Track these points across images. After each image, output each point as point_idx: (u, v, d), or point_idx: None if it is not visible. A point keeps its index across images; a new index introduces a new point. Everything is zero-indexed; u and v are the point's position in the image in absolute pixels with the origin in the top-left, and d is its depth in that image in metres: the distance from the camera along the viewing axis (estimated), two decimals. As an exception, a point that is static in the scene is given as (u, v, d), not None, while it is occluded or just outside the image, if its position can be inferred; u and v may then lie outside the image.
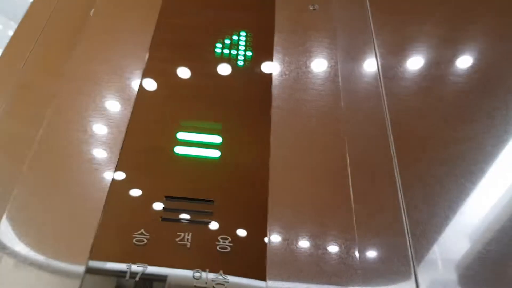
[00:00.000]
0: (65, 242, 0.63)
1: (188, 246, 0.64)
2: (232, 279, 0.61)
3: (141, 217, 0.66)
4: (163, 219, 0.66)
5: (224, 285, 0.60)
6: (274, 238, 0.65)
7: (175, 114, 0.79)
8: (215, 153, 0.74)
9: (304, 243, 0.65)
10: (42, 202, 0.66)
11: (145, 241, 0.63)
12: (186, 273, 0.61)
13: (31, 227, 0.63)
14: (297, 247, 0.65)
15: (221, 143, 0.76)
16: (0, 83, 0.81)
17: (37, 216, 0.65)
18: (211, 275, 0.61)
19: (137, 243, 0.63)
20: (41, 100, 0.78)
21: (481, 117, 0.81)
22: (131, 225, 0.65)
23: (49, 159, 0.71)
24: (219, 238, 0.65)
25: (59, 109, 0.77)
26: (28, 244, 0.62)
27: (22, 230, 0.63)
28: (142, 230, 0.64)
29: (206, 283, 0.60)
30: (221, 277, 0.61)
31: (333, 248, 0.65)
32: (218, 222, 0.67)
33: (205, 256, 0.63)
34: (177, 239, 0.64)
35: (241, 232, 0.66)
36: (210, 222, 0.67)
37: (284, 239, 0.65)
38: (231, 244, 0.64)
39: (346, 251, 0.65)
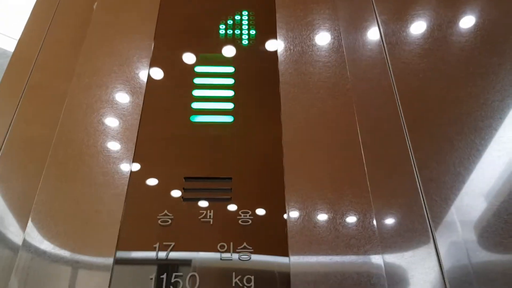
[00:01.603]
0: (90, 236, 0.65)
1: (211, 223, 0.66)
2: (256, 253, 0.64)
3: (163, 200, 0.69)
4: (185, 199, 0.69)
5: (249, 256, 0.63)
6: (293, 212, 0.67)
7: (187, 97, 0.81)
8: (229, 132, 0.76)
9: (322, 215, 0.67)
10: (65, 199, 0.69)
11: (170, 221, 0.66)
12: (212, 247, 0.64)
13: (56, 225, 0.66)
14: (315, 220, 0.67)
15: (232, 121, 0.78)
16: (12, 87, 0.83)
17: (60, 214, 0.67)
18: (236, 247, 0.64)
19: (162, 223, 0.66)
20: (53, 99, 0.81)
21: (486, 74, 0.82)
22: (155, 209, 0.67)
23: (67, 156, 0.73)
24: (240, 213, 0.67)
25: (72, 106, 0.79)
26: (55, 241, 0.64)
27: (47, 229, 0.66)
28: (166, 211, 0.67)
29: (231, 255, 0.63)
30: (245, 250, 0.64)
31: (350, 218, 0.67)
32: (238, 198, 0.69)
33: (228, 230, 0.66)
34: (199, 217, 0.67)
35: (261, 206, 0.68)
36: (230, 198, 0.69)
37: (302, 210, 0.67)
38: (252, 217, 0.67)
39: (363, 218, 0.67)
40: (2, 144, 0.75)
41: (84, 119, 0.77)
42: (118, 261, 0.63)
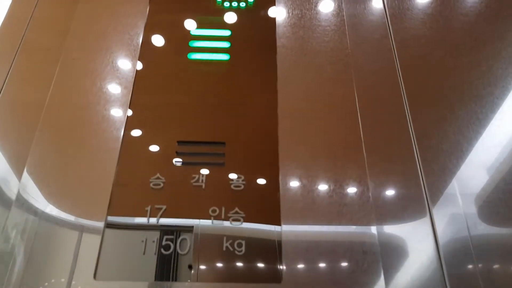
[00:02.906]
0: (83, 199, 0.65)
1: (203, 187, 0.66)
2: (247, 218, 0.63)
3: (155, 164, 0.68)
4: (177, 163, 0.68)
5: (240, 220, 0.63)
6: (286, 178, 0.67)
7: (181, 62, 0.79)
8: (224, 96, 0.75)
9: (316, 182, 0.66)
10: (57, 162, 0.68)
11: (162, 184, 0.66)
12: (203, 211, 0.63)
13: (48, 187, 0.66)
14: (309, 186, 0.66)
15: (227, 85, 0.76)
16: (6, 46, 0.81)
17: (53, 176, 0.67)
18: (228, 212, 0.63)
19: (154, 187, 0.65)
20: (48, 60, 0.79)
21: (491, 41, 0.80)
22: (147, 172, 0.67)
23: (60, 118, 0.73)
24: (232, 178, 0.67)
25: (66, 68, 0.78)
26: (46, 202, 0.64)
27: (40, 190, 0.65)
28: (158, 175, 0.66)
29: (223, 220, 0.63)
30: (236, 214, 0.63)
31: (345, 186, 0.66)
32: (231, 163, 0.68)
33: (220, 195, 0.65)
34: (192, 181, 0.66)
35: (254, 172, 0.68)
36: (223, 163, 0.68)
37: (296, 179, 0.67)
38: (244, 183, 0.66)
39: (357, 187, 0.66)
40: None
41: (77, 82, 0.76)
42: (109, 224, 0.63)
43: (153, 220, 0.63)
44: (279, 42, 0.81)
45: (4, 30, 0.84)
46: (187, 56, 0.80)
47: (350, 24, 0.83)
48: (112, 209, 0.64)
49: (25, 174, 0.66)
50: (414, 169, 0.67)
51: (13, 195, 0.65)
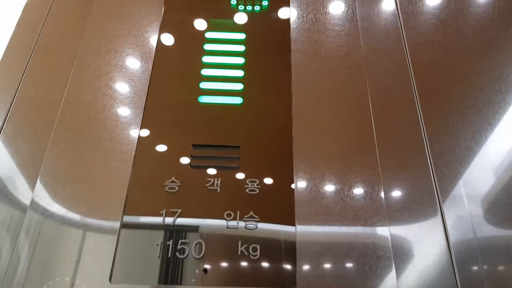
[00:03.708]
0: (98, 200, 0.65)
1: (218, 191, 0.66)
2: (262, 222, 0.64)
3: (171, 167, 0.68)
4: (193, 167, 0.69)
5: (255, 225, 0.63)
6: (300, 182, 0.67)
7: (196, 65, 0.80)
8: (238, 100, 0.76)
9: (329, 186, 0.67)
10: (72, 163, 0.69)
11: (177, 188, 0.66)
12: (218, 215, 0.64)
13: (63, 188, 0.66)
14: (323, 190, 0.66)
15: (242, 89, 0.77)
16: (21, 47, 0.82)
17: (68, 177, 0.67)
18: (243, 216, 0.64)
19: (169, 190, 0.66)
20: (62, 61, 0.80)
21: (503, 47, 0.80)
22: (162, 175, 0.67)
23: (76, 118, 0.73)
24: (247, 182, 0.67)
25: (81, 68, 0.78)
26: (62, 204, 0.65)
27: (55, 191, 0.66)
28: (173, 178, 0.67)
29: (237, 223, 0.63)
30: (251, 218, 0.64)
31: (358, 189, 0.67)
32: (246, 167, 0.69)
33: (235, 199, 0.66)
34: (207, 185, 0.67)
35: (268, 175, 0.68)
36: (238, 167, 0.69)
37: (309, 181, 0.67)
38: (259, 187, 0.67)
39: (371, 190, 0.66)
40: (11, 105, 0.74)
41: (92, 83, 0.77)
42: (125, 225, 0.63)
43: (168, 224, 0.63)
44: (293, 46, 0.81)
45: (19, 31, 0.84)
46: (201, 59, 0.80)
47: (364, 28, 0.83)
48: (127, 210, 0.64)
49: (40, 175, 0.67)
50: (427, 174, 0.68)
51: (28, 197, 0.65)
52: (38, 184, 0.66)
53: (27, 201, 0.65)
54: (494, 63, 0.78)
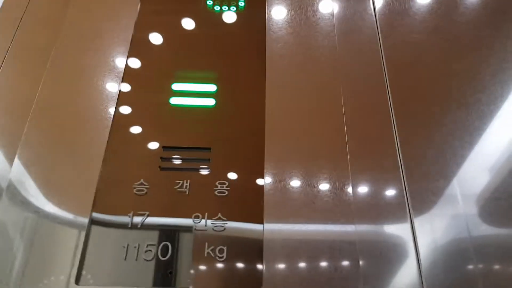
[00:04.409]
0: (70, 196, 0.66)
1: (187, 193, 0.66)
2: (230, 224, 0.64)
3: (140, 169, 0.68)
4: (162, 169, 0.69)
5: (223, 227, 0.63)
6: (270, 182, 0.67)
7: (169, 65, 0.79)
8: (210, 102, 0.75)
9: (299, 184, 0.67)
10: (46, 159, 0.69)
11: (145, 190, 0.66)
12: (186, 217, 0.64)
13: (37, 181, 0.66)
14: (292, 189, 0.66)
15: (215, 91, 0.76)
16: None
17: (41, 174, 0.67)
18: (210, 217, 0.64)
19: (137, 193, 0.66)
20: (37, 61, 0.79)
21: (478, 48, 0.80)
22: (131, 176, 0.67)
23: (48, 116, 0.73)
24: (216, 183, 0.67)
25: (55, 70, 0.78)
26: (34, 200, 0.65)
27: (28, 188, 0.66)
28: (142, 180, 0.67)
29: (205, 226, 0.63)
30: (219, 220, 0.64)
31: (327, 189, 0.67)
32: (215, 169, 0.69)
33: (203, 200, 0.66)
34: (175, 187, 0.67)
35: (238, 177, 0.68)
36: (208, 169, 0.69)
37: (280, 182, 0.67)
38: (228, 189, 0.67)
39: (340, 189, 0.66)
40: None
41: (65, 84, 0.76)
42: (94, 222, 0.63)
43: (135, 225, 0.63)
44: (268, 46, 0.81)
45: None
46: (174, 60, 0.80)
47: (339, 29, 0.83)
48: (96, 208, 0.64)
49: (12, 171, 0.67)
50: (397, 177, 0.68)
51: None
52: (11, 179, 0.66)
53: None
54: (469, 64, 0.78)
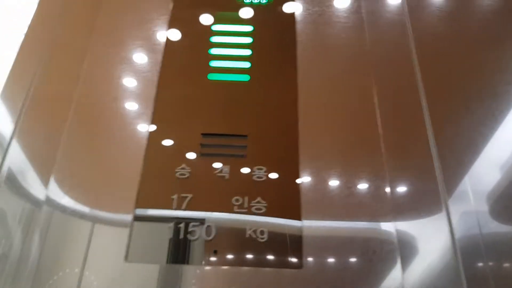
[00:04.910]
0: (111, 193, 0.68)
1: (227, 177, 0.69)
2: (269, 207, 0.66)
3: (181, 155, 0.71)
4: (202, 155, 0.71)
5: (262, 210, 0.65)
6: (306, 173, 0.69)
7: (203, 57, 0.82)
8: (245, 91, 0.78)
9: (335, 179, 0.69)
10: (86, 157, 0.71)
11: (187, 174, 0.69)
12: (227, 200, 0.66)
13: (77, 182, 0.68)
14: (328, 182, 0.68)
15: (249, 80, 0.79)
16: (35, 43, 0.84)
17: (82, 171, 0.70)
18: (250, 201, 0.66)
19: (180, 176, 0.68)
20: (75, 57, 0.81)
21: (508, 39, 0.81)
22: (173, 162, 0.70)
23: (88, 114, 0.75)
24: (254, 169, 0.69)
25: (92, 63, 0.80)
26: (76, 198, 0.67)
27: (69, 185, 0.68)
28: (184, 165, 0.69)
29: (245, 208, 0.65)
30: (259, 203, 0.66)
31: (363, 183, 0.68)
32: (253, 155, 0.71)
33: (243, 185, 0.68)
34: (215, 172, 0.69)
35: (275, 163, 0.70)
36: (245, 155, 0.71)
37: (315, 172, 0.69)
38: (266, 174, 0.69)
39: (376, 184, 0.68)
40: (25, 101, 0.76)
41: (104, 77, 0.79)
42: (137, 217, 0.65)
43: (179, 208, 0.66)
44: (299, 38, 0.83)
45: (33, 27, 0.86)
46: (208, 52, 0.82)
47: (369, 21, 0.84)
48: (139, 200, 0.67)
49: (55, 170, 0.69)
50: (432, 167, 0.69)
51: (42, 192, 0.67)
52: (52, 179, 0.68)
53: (41, 196, 0.67)
54: (498, 55, 0.80)
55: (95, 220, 0.65)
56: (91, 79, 0.79)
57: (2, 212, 0.66)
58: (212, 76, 0.80)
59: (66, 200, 0.67)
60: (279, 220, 0.65)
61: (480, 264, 0.61)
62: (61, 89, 0.78)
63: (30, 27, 0.86)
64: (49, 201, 0.66)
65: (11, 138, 0.72)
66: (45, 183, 0.68)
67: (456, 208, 0.65)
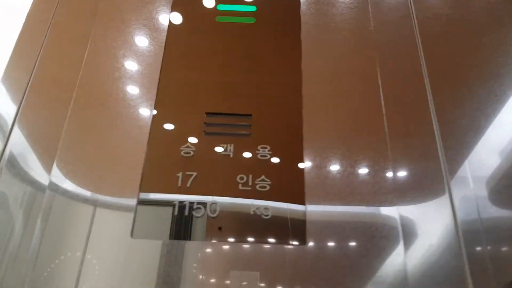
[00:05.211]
0: (114, 177, 0.68)
1: (231, 156, 0.69)
2: (273, 184, 0.67)
3: (185, 133, 0.71)
4: (206, 133, 0.71)
5: (266, 187, 0.66)
6: (309, 151, 0.70)
7: (209, 40, 0.82)
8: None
9: (338, 162, 0.69)
10: (89, 141, 0.71)
11: (192, 153, 0.69)
12: (232, 178, 0.67)
13: (81, 167, 0.69)
14: (332, 165, 0.69)
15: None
16: (36, 27, 0.83)
17: (85, 156, 0.70)
18: (255, 179, 0.67)
19: (184, 155, 0.69)
20: (77, 40, 0.81)
21: (510, 22, 0.81)
22: (178, 141, 0.70)
23: (91, 99, 0.75)
24: (258, 148, 0.70)
25: (95, 47, 0.80)
26: (79, 182, 0.67)
27: (73, 170, 0.68)
28: (188, 144, 0.70)
29: (250, 186, 0.66)
30: (263, 181, 0.67)
31: (367, 167, 0.69)
32: (257, 134, 0.72)
33: (247, 163, 0.69)
34: (220, 150, 0.70)
35: (279, 142, 0.71)
36: (249, 134, 0.72)
37: (319, 152, 0.70)
38: (270, 153, 0.69)
39: (380, 168, 0.68)
40: (27, 85, 0.76)
41: (107, 61, 0.79)
42: (141, 201, 0.66)
43: (184, 185, 0.66)
44: (303, 18, 0.83)
45: (34, 10, 0.85)
46: (213, 34, 0.82)
47: (373, 1, 0.84)
48: (146, 173, 0.67)
49: (58, 154, 0.69)
50: (435, 152, 0.69)
51: (45, 176, 0.67)
52: (56, 163, 0.68)
53: (44, 181, 0.67)
54: (501, 36, 0.80)
55: (99, 205, 0.66)
56: (94, 63, 0.78)
57: (4, 196, 0.66)
58: (216, 58, 0.80)
59: (69, 185, 0.67)
60: (283, 197, 0.66)
61: (479, 248, 0.62)
62: (65, 74, 0.77)
63: (30, 10, 0.85)
64: (52, 186, 0.66)
65: (14, 122, 0.72)
66: (49, 167, 0.68)
67: (456, 193, 0.65)
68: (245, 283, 0.59)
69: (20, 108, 0.73)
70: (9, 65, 0.78)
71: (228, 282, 0.59)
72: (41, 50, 0.79)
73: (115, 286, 0.59)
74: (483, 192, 0.66)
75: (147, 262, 0.62)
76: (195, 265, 0.61)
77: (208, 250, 0.62)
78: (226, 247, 0.62)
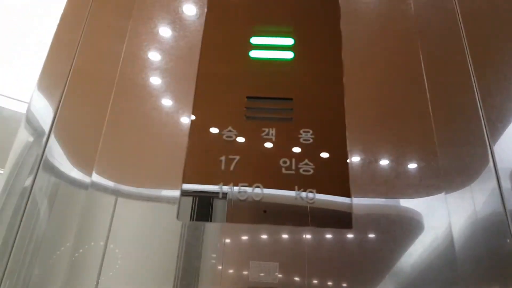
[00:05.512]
0: (158, 172, 0.68)
1: (273, 139, 0.69)
2: (317, 168, 0.66)
3: (227, 118, 0.71)
4: (248, 118, 0.71)
5: (310, 171, 0.65)
6: (352, 135, 0.69)
7: (247, 21, 0.82)
8: (289, 55, 0.77)
9: (384, 156, 0.68)
10: (131, 138, 0.71)
11: (234, 137, 0.69)
12: (275, 162, 0.67)
13: (122, 162, 0.69)
14: (377, 160, 0.67)
15: (293, 44, 0.78)
16: (73, 22, 0.83)
17: (127, 151, 0.70)
18: (298, 163, 0.66)
19: (226, 138, 0.69)
20: (115, 37, 0.80)
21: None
22: (219, 125, 0.70)
23: (130, 93, 0.75)
24: (301, 132, 0.69)
25: (133, 41, 0.80)
26: (121, 179, 0.67)
27: (114, 167, 0.68)
28: (230, 127, 0.69)
29: (293, 170, 0.66)
30: (307, 165, 0.66)
31: (413, 156, 0.67)
32: (299, 118, 0.71)
33: (290, 147, 0.68)
34: (262, 134, 0.69)
35: (321, 126, 0.70)
36: (291, 118, 0.71)
37: (363, 140, 0.69)
38: (313, 136, 0.69)
39: (426, 157, 0.66)
40: (67, 80, 0.76)
41: (144, 54, 0.78)
42: (186, 186, 0.66)
43: (228, 169, 0.66)
44: (343, 8, 0.81)
45: (71, 5, 0.86)
46: (251, 26, 0.82)
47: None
48: (189, 159, 0.67)
49: (100, 149, 0.69)
50: (482, 141, 0.67)
51: (88, 175, 0.67)
52: (98, 158, 0.68)
53: (86, 179, 0.67)
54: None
55: (143, 199, 0.66)
56: (133, 57, 0.78)
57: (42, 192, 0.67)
58: (255, 40, 0.79)
59: (112, 182, 0.67)
60: (328, 181, 0.65)
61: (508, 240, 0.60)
62: (104, 69, 0.77)
63: (65, 11, 0.84)
64: (95, 183, 0.66)
65: (53, 120, 0.72)
66: (91, 165, 0.68)
67: (483, 185, 0.64)
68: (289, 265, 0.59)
69: (61, 102, 0.74)
70: (49, 57, 0.79)
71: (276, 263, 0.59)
72: (78, 46, 0.79)
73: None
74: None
75: (191, 243, 0.62)
76: (238, 247, 0.61)
77: (254, 232, 0.62)
78: (271, 229, 0.62)
